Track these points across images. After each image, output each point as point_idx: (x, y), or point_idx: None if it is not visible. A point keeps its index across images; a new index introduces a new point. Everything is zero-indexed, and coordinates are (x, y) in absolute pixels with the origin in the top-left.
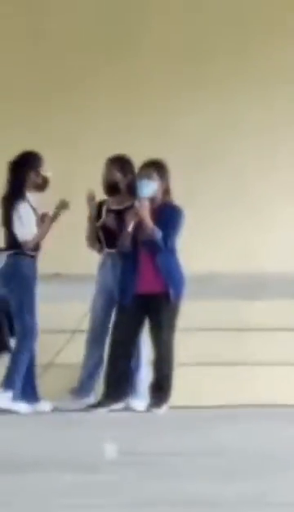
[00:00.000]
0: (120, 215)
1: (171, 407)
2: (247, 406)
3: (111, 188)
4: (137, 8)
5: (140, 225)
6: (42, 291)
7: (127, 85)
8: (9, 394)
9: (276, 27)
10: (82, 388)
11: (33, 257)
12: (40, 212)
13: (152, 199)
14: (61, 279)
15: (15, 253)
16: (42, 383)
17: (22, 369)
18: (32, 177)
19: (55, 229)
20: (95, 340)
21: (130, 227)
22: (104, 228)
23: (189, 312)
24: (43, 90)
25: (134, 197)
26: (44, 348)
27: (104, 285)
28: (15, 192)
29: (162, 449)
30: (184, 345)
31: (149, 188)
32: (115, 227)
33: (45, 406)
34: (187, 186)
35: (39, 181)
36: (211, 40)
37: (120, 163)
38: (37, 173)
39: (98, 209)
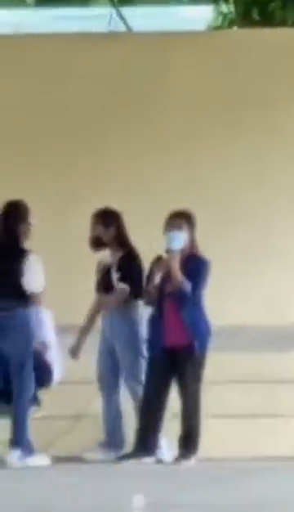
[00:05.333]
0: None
1: (201, 459)
2: (278, 459)
3: (95, 243)
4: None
5: (166, 276)
6: (66, 342)
7: (153, 140)
8: (18, 451)
9: None
10: (109, 441)
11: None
12: None
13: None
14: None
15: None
16: (72, 434)
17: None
18: (24, 229)
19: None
20: (106, 393)
21: (157, 279)
22: (103, 282)
23: (219, 364)
24: (60, 152)
25: (123, 248)
26: (73, 400)
27: (104, 337)
28: (16, 245)
29: (191, 501)
30: (213, 397)
31: (179, 240)
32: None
33: (42, 460)
34: (216, 240)
35: (28, 231)
36: (241, 97)
37: (104, 217)
38: (28, 225)
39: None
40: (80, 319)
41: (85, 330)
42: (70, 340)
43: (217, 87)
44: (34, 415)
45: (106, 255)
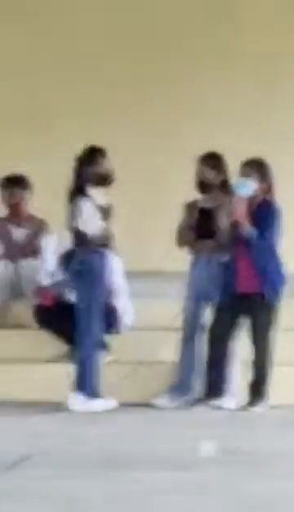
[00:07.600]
0: (212, 213)
1: (271, 407)
2: None
3: (204, 186)
4: None
5: (236, 223)
6: (136, 288)
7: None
8: (80, 396)
9: None
10: (180, 386)
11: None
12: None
13: (252, 198)
14: (156, 277)
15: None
16: (141, 380)
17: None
18: (90, 172)
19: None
20: (188, 339)
21: (224, 225)
22: (199, 226)
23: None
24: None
25: (227, 194)
26: (137, 346)
27: (195, 284)
28: (77, 189)
29: (262, 448)
30: (286, 344)
31: (246, 188)
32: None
33: (109, 404)
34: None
35: (98, 176)
36: None
37: (212, 160)
38: (97, 168)
39: (189, 209)
40: (149, 265)
41: None
42: (140, 286)
43: None
44: (104, 361)
45: (204, 199)
